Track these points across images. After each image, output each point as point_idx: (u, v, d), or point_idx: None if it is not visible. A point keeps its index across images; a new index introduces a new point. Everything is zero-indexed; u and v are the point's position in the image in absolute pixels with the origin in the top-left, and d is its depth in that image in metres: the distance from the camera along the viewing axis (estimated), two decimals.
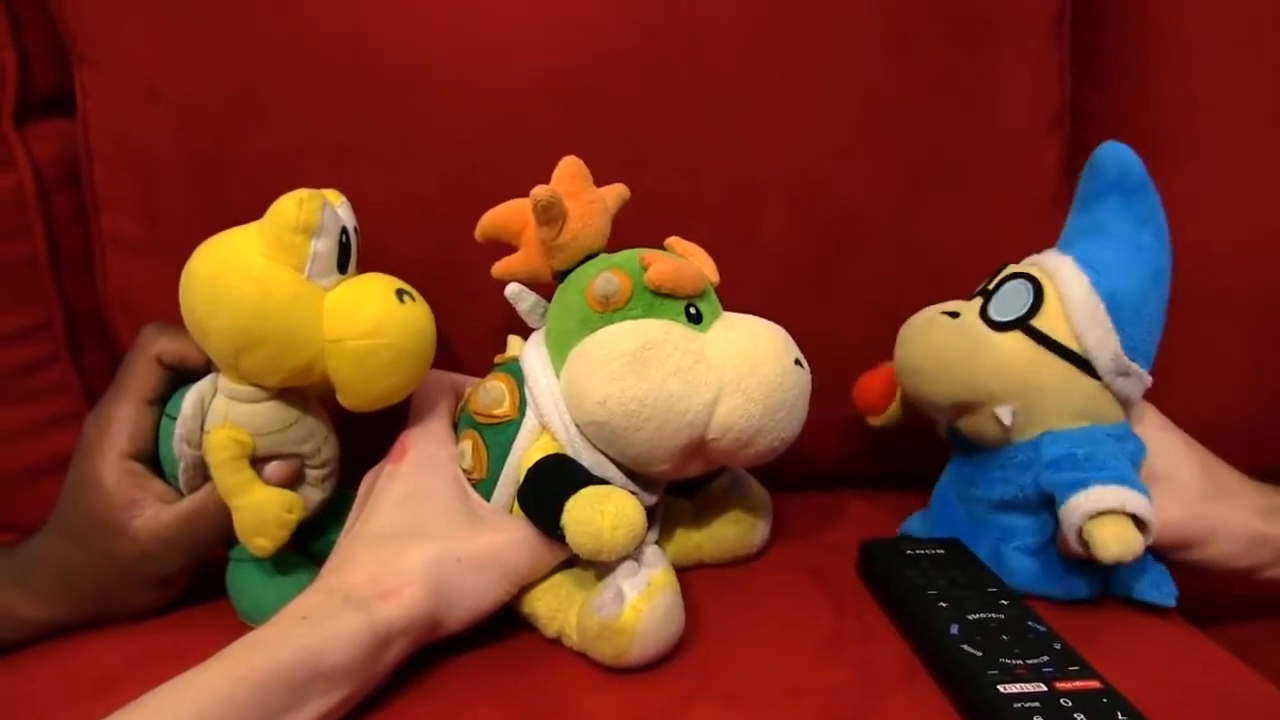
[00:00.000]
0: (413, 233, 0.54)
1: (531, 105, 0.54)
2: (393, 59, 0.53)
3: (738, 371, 0.42)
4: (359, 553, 0.42)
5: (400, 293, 0.43)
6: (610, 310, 0.44)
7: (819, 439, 0.56)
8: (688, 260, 0.46)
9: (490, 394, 0.46)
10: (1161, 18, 0.61)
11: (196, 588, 0.48)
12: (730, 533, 0.50)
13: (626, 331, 0.43)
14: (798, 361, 0.44)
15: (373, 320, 0.42)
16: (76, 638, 0.46)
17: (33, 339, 0.57)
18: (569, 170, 0.46)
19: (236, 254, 0.42)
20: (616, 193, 0.49)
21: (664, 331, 0.43)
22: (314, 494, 0.47)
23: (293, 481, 0.45)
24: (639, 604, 0.39)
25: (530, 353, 0.46)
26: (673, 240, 0.49)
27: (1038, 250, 0.61)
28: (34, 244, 0.57)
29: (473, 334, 0.54)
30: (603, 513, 0.40)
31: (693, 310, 0.44)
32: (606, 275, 0.44)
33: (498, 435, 0.46)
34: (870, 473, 0.63)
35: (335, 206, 0.44)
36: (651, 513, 0.48)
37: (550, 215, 0.45)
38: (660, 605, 0.40)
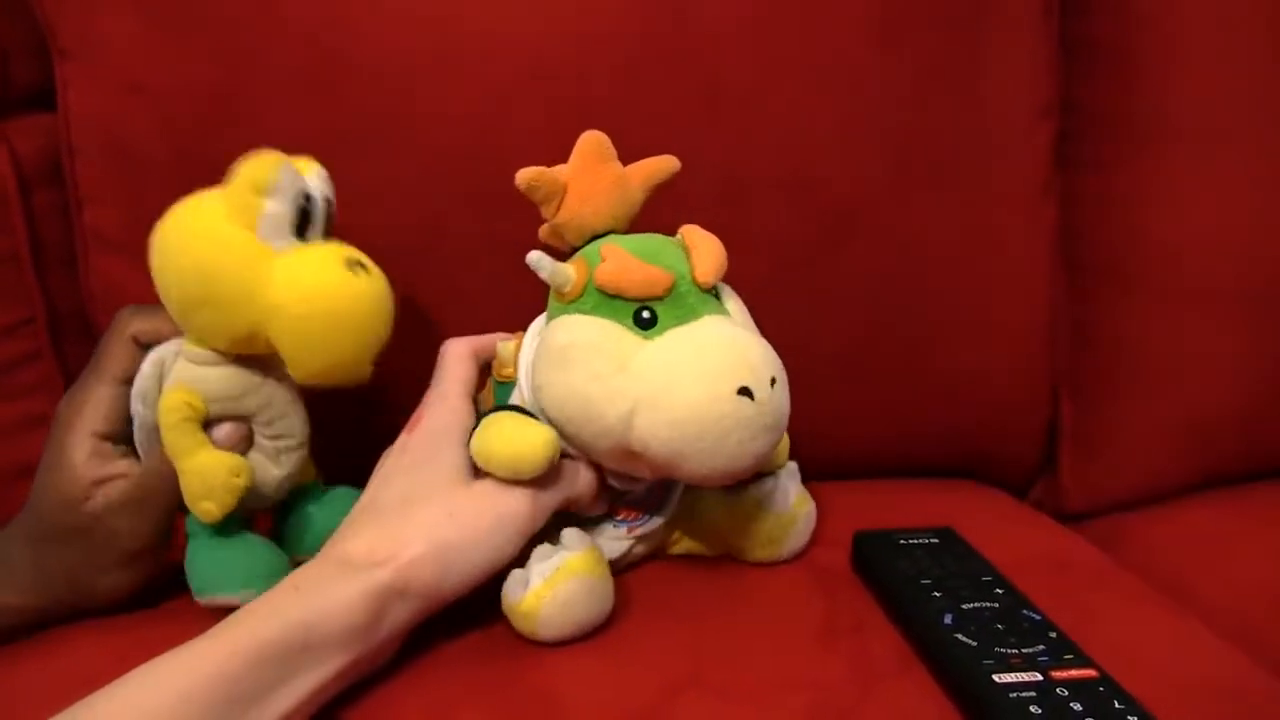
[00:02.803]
0: (398, 224, 0.54)
1: (518, 97, 0.53)
2: (377, 50, 0.53)
3: (653, 388, 0.39)
4: (361, 523, 0.42)
5: (353, 263, 0.42)
6: (566, 300, 0.43)
7: (811, 432, 0.56)
8: (688, 255, 0.44)
9: (501, 354, 0.47)
10: (1150, 6, 0.61)
11: (178, 581, 0.47)
12: (748, 546, 0.49)
13: (566, 326, 0.42)
14: (745, 391, 0.39)
15: (311, 287, 0.41)
16: (60, 634, 0.45)
17: (14, 336, 0.57)
18: (582, 146, 0.45)
19: (196, 214, 0.42)
20: (647, 169, 0.46)
21: (595, 333, 0.41)
22: (270, 468, 0.46)
23: (240, 445, 0.45)
24: (542, 590, 0.40)
25: (538, 321, 0.47)
26: (686, 229, 0.46)
27: (1029, 240, 0.61)
28: (15, 240, 0.56)
29: (458, 325, 0.54)
30: (501, 430, 0.42)
31: (645, 314, 0.41)
32: (561, 266, 0.43)
33: (502, 393, 0.47)
34: (859, 465, 0.63)
35: (306, 175, 0.43)
36: (653, 499, 0.47)
37: (535, 197, 0.44)
38: (563, 592, 0.40)
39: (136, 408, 0.44)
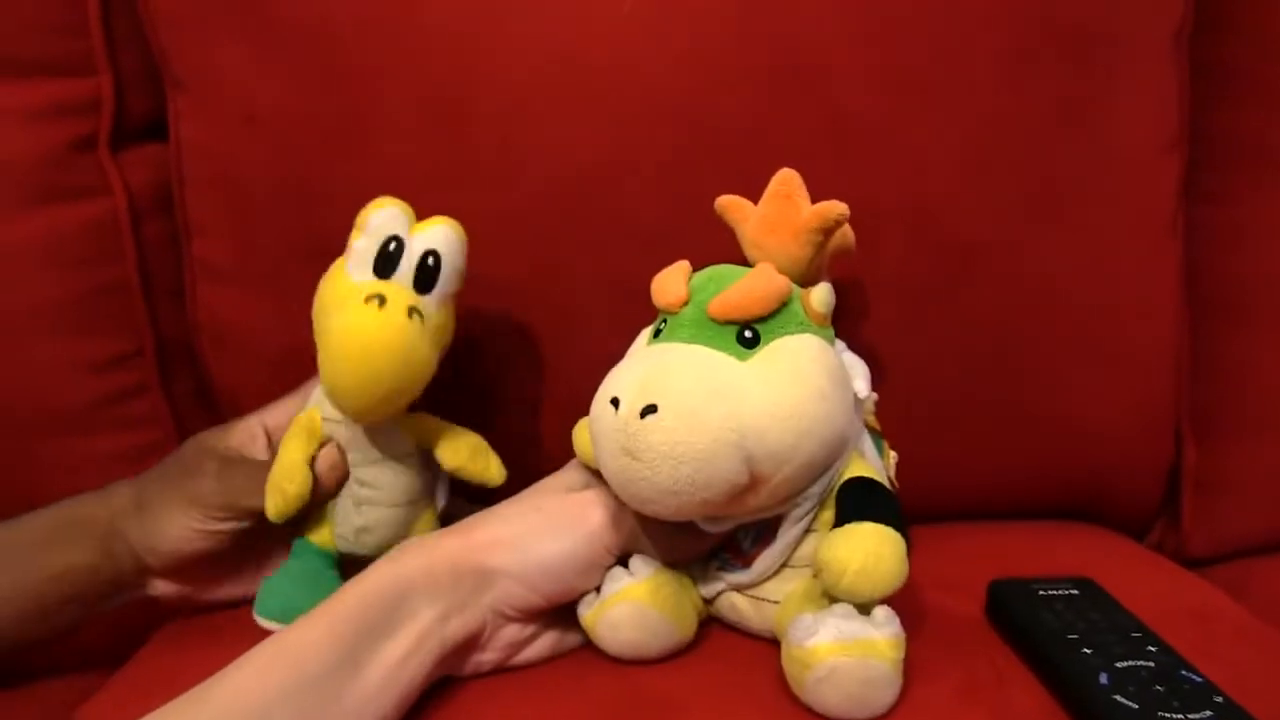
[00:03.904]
0: (515, 257, 0.53)
1: (639, 130, 0.52)
2: (495, 82, 0.52)
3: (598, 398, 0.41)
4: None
5: (373, 297, 0.43)
6: None
7: (928, 470, 0.54)
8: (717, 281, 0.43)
9: None
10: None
11: None
12: (785, 670, 0.39)
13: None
14: (615, 402, 0.38)
15: (331, 309, 0.44)
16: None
17: (124, 367, 0.57)
18: (772, 181, 0.46)
19: None
20: (816, 211, 0.44)
21: (640, 337, 0.44)
22: (351, 515, 0.47)
23: (333, 467, 0.46)
24: (598, 610, 0.42)
25: None
26: (758, 266, 0.44)
27: (1154, 276, 0.58)
28: (126, 270, 0.56)
29: (576, 357, 0.53)
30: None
31: (661, 326, 0.42)
32: None
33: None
34: (975, 504, 0.60)
35: (427, 230, 0.45)
36: (754, 551, 0.44)
37: (724, 219, 0.47)
38: (611, 615, 0.42)
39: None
